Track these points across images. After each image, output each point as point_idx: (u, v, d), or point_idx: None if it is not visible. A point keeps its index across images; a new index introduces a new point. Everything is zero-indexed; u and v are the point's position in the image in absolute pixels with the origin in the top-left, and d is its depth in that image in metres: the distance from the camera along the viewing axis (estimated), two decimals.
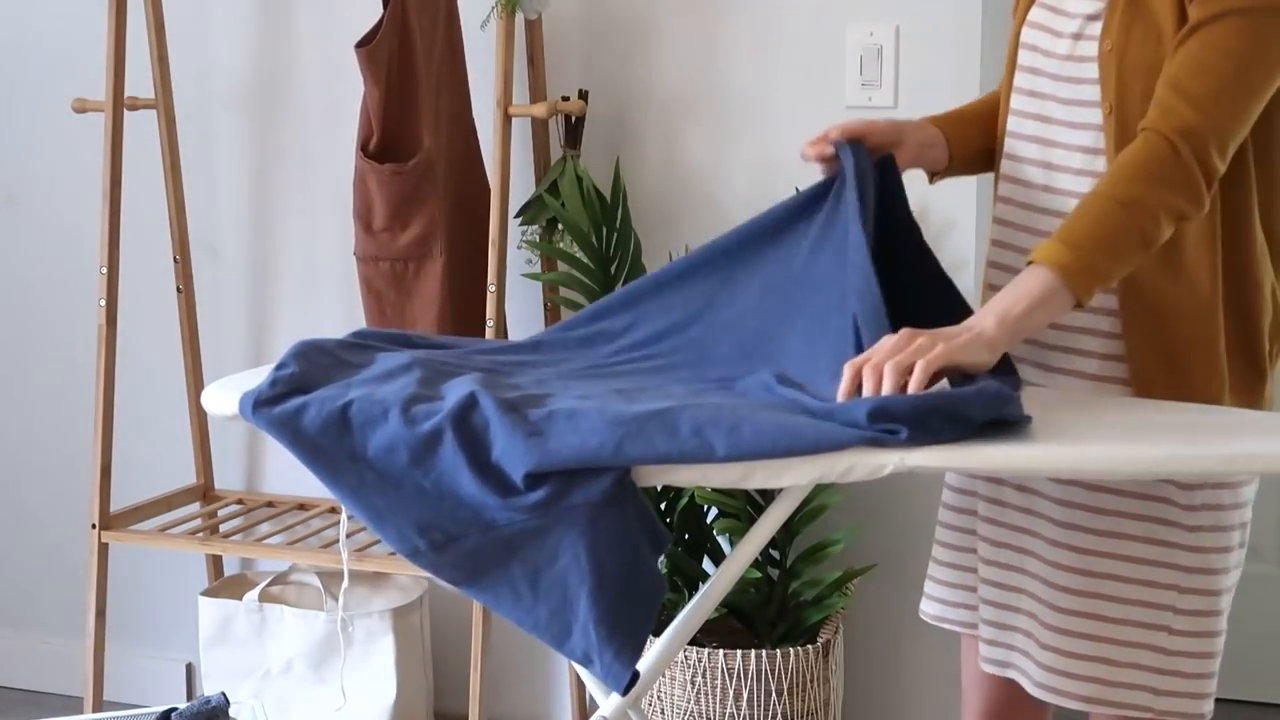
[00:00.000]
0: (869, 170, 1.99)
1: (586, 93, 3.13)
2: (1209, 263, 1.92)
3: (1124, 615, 1.97)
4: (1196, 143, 1.84)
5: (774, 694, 2.89)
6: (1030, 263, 1.85)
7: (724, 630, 2.98)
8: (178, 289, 3.42)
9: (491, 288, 2.99)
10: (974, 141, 2.14)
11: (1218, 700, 3.76)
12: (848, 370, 1.78)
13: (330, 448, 1.86)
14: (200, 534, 3.37)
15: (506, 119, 2.99)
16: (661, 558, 1.93)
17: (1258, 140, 1.91)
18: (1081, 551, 1.98)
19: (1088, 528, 1.98)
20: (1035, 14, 2.05)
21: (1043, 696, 2.00)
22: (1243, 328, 1.96)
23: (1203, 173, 1.84)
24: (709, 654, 2.91)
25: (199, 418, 3.46)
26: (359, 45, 2.99)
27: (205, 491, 3.51)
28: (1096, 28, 1.96)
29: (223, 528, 3.43)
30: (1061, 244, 1.83)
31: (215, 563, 3.52)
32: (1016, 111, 2.06)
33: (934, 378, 1.76)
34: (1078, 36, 1.98)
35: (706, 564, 3.04)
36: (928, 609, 2.23)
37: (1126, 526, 1.97)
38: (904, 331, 1.79)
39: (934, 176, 2.17)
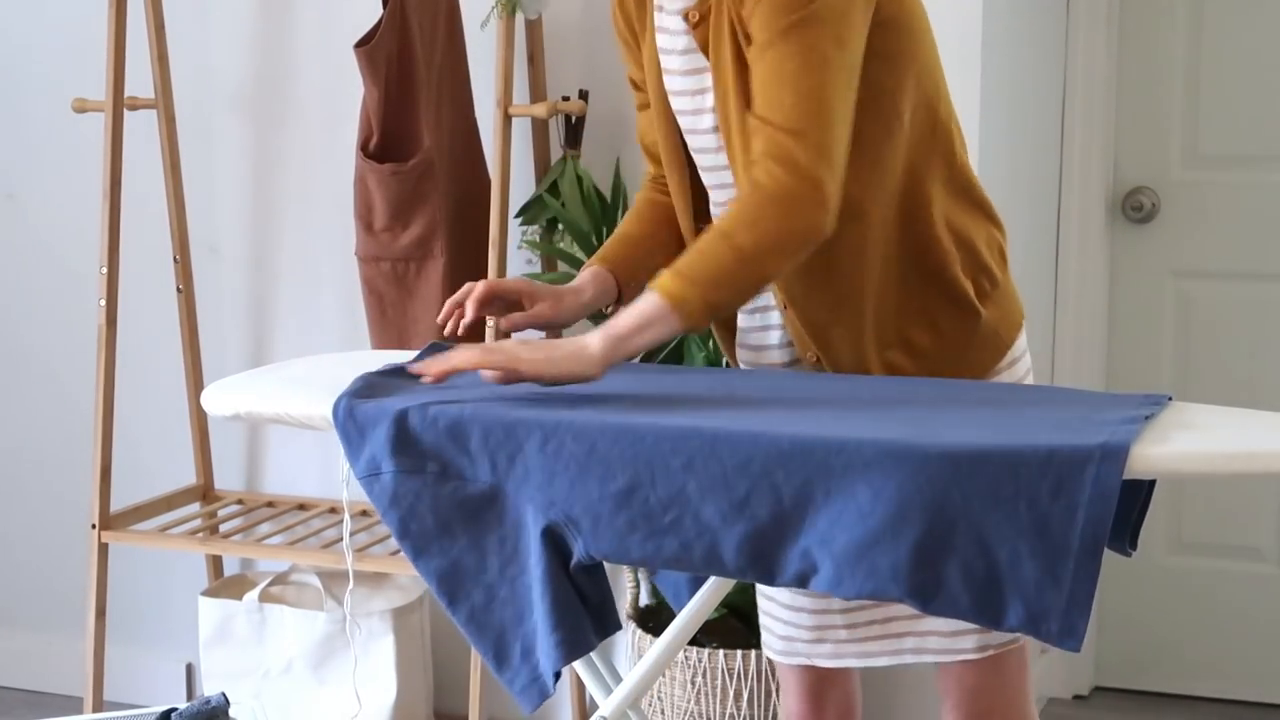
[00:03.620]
0: None
1: (586, 93, 3.13)
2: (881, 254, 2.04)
3: None
4: (803, 167, 1.89)
5: (774, 694, 2.89)
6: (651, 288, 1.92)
7: (724, 630, 2.98)
8: (178, 289, 3.42)
9: None
10: (646, 264, 2.13)
11: (1219, 700, 3.78)
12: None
13: None
14: (200, 534, 3.37)
15: (506, 119, 2.99)
16: None
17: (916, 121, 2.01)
18: None
19: None
20: (674, 83, 2.10)
21: (987, 654, 2.07)
22: (939, 285, 2.06)
23: (814, 192, 1.90)
24: (709, 654, 2.91)
25: (199, 418, 3.46)
26: (358, 45, 2.99)
27: (205, 491, 3.50)
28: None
29: (223, 528, 3.43)
30: (678, 278, 1.90)
31: (215, 563, 3.52)
32: (710, 186, 2.12)
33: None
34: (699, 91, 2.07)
35: None
36: (779, 647, 2.22)
37: None
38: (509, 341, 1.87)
39: (611, 308, 2.15)
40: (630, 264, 2.16)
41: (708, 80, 2.04)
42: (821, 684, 2.23)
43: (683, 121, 2.10)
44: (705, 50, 2.02)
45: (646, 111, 2.19)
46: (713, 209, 2.12)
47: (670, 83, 2.09)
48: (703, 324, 1.93)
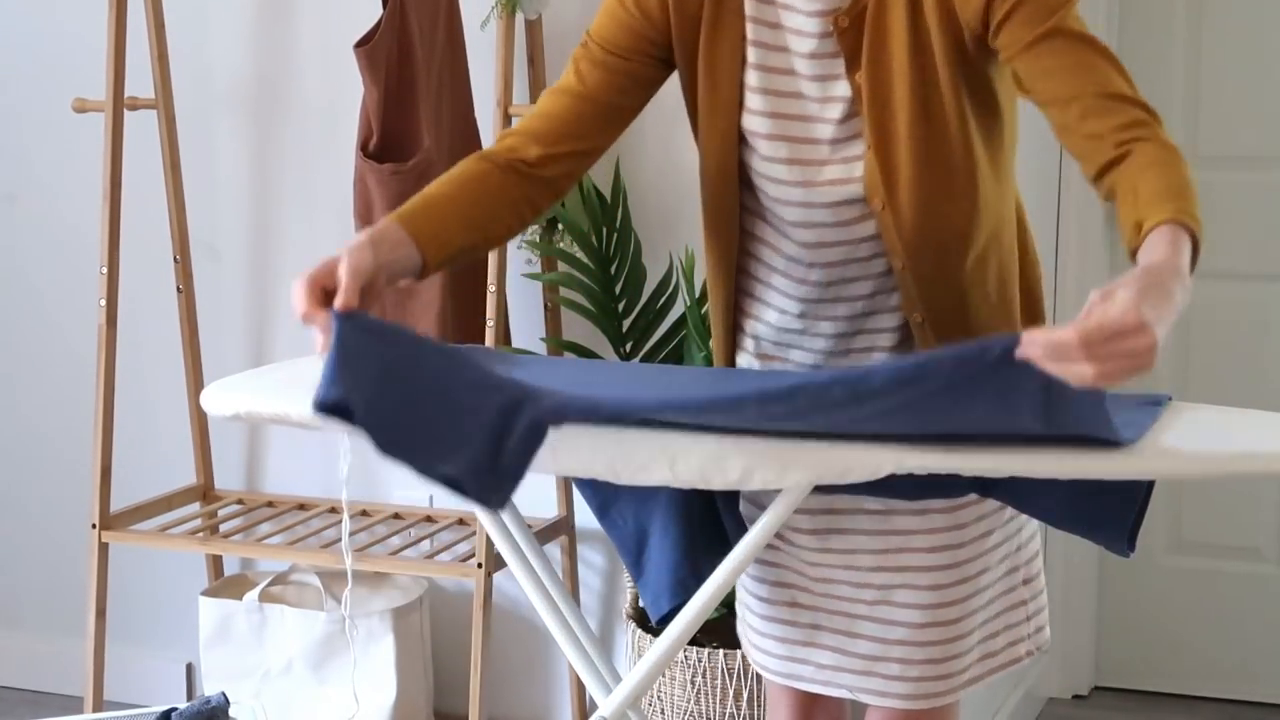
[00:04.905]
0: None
1: None
2: (1014, 264, 2.03)
3: (990, 598, 2.06)
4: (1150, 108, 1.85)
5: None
6: (1160, 225, 1.70)
7: (724, 630, 2.98)
8: (178, 289, 3.42)
9: (491, 288, 2.99)
10: (455, 239, 1.91)
11: (1219, 700, 3.78)
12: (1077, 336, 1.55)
13: None
14: (200, 534, 3.37)
15: (506, 119, 2.99)
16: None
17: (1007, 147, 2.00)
18: (953, 567, 2.02)
19: (955, 545, 2.02)
20: (759, 104, 1.98)
21: (929, 705, 2.05)
22: (1031, 308, 2.06)
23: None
24: (709, 654, 2.91)
25: (199, 418, 3.46)
26: (358, 45, 2.99)
27: (205, 491, 3.51)
28: (853, 127, 1.94)
29: (223, 528, 3.43)
30: (1182, 202, 1.72)
31: (215, 563, 3.52)
32: (771, 221, 2.01)
33: None
34: (835, 140, 1.95)
35: None
36: (771, 665, 2.16)
37: (987, 525, 2.03)
38: (1143, 337, 1.55)
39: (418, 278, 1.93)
40: (435, 230, 1.89)
41: (838, 90, 1.94)
42: (812, 705, 2.21)
43: (773, 146, 1.97)
44: (854, 56, 1.92)
45: (574, 86, 2.00)
46: (767, 249, 2.02)
47: (755, 101, 1.97)
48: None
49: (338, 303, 1.80)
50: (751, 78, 1.98)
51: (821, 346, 2.04)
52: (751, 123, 1.98)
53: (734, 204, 2.02)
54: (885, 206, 1.93)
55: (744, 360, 2.11)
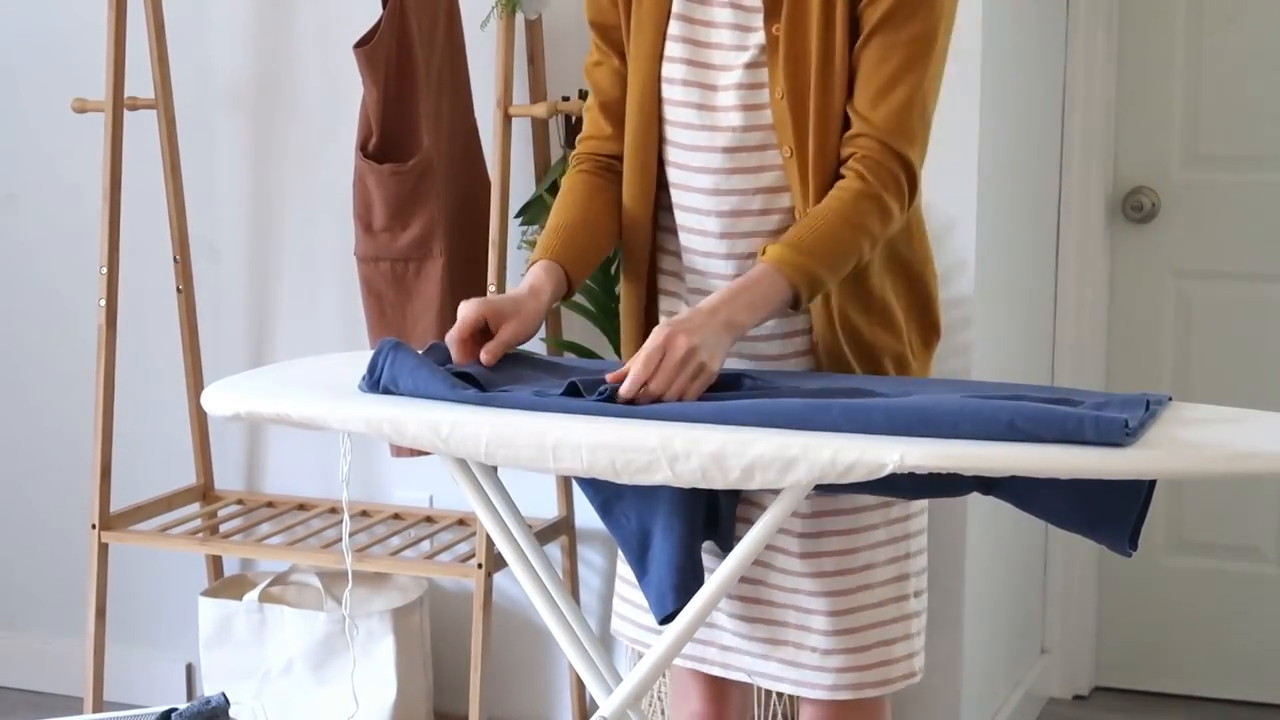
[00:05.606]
0: None
1: (587, 93, 3.12)
2: (890, 267, 2.11)
3: (881, 598, 2.09)
4: (910, 164, 2.01)
5: (774, 694, 2.89)
6: (762, 262, 1.96)
7: None
8: (178, 289, 3.42)
9: (492, 288, 2.99)
10: (590, 257, 2.16)
11: (1219, 700, 3.78)
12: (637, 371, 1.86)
13: None
14: (200, 534, 3.37)
15: (506, 119, 2.99)
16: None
17: None
18: (840, 554, 2.07)
19: (838, 530, 2.07)
20: (679, 51, 2.08)
21: (839, 696, 2.09)
22: (918, 303, 2.14)
23: (910, 190, 2.02)
24: None
25: (199, 418, 3.46)
26: (358, 45, 2.99)
27: (205, 491, 3.51)
28: (758, 75, 2.03)
29: (223, 528, 3.43)
30: (796, 251, 1.95)
31: (215, 563, 3.52)
32: (679, 165, 2.10)
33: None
34: (740, 86, 2.04)
35: None
36: (629, 633, 2.23)
37: (871, 518, 2.08)
38: (675, 345, 1.86)
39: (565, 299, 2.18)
40: (577, 257, 2.13)
41: (753, 39, 2.04)
42: (722, 686, 2.23)
43: (685, 91, 2.07)
44: (774, 8, 2.01)
45: (607, 67, 2.17)
46: (676, 193, 2.11)
47: (674, 49, 2.08)
48: (806, 304, 1.97)
49: (484, 358, 1.99)
50: (674, 28, 2.09)
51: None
52: (670, 70, 2.09)
53: (653, 150, 2.11)
54: (793, 154, 2.02)
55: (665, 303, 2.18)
